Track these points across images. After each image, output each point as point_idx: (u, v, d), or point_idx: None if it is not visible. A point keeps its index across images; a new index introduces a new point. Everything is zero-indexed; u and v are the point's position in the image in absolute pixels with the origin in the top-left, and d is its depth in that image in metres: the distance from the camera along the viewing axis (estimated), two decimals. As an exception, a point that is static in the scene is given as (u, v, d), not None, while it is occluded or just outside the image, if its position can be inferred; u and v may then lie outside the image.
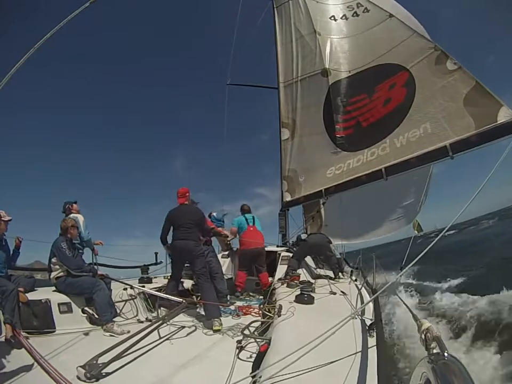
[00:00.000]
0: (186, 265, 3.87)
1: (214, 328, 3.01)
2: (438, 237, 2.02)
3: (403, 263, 3.70)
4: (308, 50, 6.03)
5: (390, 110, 4.76)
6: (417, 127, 4.31)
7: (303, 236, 4.99)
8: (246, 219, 4.95)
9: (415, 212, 6.56)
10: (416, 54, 4.59)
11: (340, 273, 4.70)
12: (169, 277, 3.90)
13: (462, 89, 3.94)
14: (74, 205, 4.14)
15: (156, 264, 4.73)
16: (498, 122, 3.52)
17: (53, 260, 3.20)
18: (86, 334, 2.81)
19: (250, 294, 4.76)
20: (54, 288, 3.20)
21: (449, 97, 4.08)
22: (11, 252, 3.28)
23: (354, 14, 5.67)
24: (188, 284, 4.27)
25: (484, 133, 3.62)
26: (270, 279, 4.71)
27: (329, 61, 5.69)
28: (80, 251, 3.74)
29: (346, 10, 5.82)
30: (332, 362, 1.72)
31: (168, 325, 3.02)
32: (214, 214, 5.46)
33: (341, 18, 5.84)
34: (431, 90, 4.31)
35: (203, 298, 3.39)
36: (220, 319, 3.14)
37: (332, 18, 5.94)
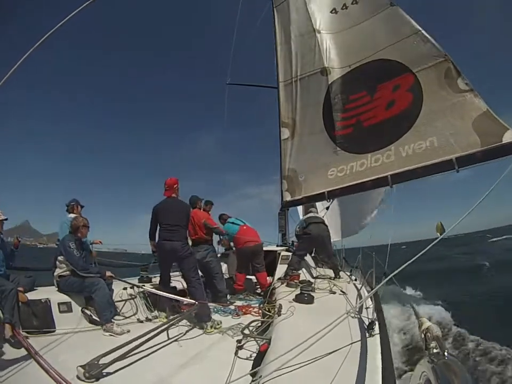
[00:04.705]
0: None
1: (205, 331, 3.01)
2: (436, 240, 2.04)
3: (385, 267, 3.80)
4: (307, 50, 5.99)
5: (394, 114, 4.70)
6: (423, 140, 4.32)
7: (300, 228, 4.88)
8: (233, 223, 4.82)
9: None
10: (423, 58, 4.50)
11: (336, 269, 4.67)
12: (159, 279, 3.79)
13: (472, 112, 3.99)
14: (80, 207, 4.12)
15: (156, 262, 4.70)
16: (504, 142, 3.67)
17: (60, 258, 3.17)
18: (86, 333, 2.81)
19: (251, 294, 4.75)
20: (54, 287, 3.19)
21: (458, 117, 4.10)
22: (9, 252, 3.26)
23: (354, 2, 5.47)
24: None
25: (489, 150, 3.75)
26: (270, 278, 4.69)
27: (329, 59, 5.63)
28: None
29: None
30: (332, 361, 1.72)
31: (168, 325, 3.02)
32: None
33: (342, 8, 5.67)
34: (439, 105, 4.30)
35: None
36: (212, 322, 3.09)
37: (333, 11, 5.81)
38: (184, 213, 3.59)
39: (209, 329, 3.01)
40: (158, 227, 3.54)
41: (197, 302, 3.23)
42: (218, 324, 3.10)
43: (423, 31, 4.56)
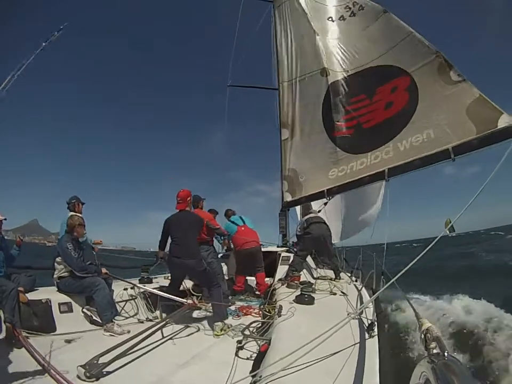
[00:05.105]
0: None
1: (214, 332, 3.00)
2: (439, 237, 2.03)
3: (383, 266, 3.77)
4: (307, 50, 6.00)
5: (393, 114, 4.76)
6: (420, 133, 4.37)
7: (301, 229, 4.85)
8: (233, 222, 4.80)
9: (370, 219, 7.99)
10: (417, 58, 4.57)
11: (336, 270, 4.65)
12: (168, 285, 3.78)
13: (466, 99, 4.02)
14: (81, 205, 4.07)
15: (157, 264, 4.70)
16: (499, 127, 3.65)
17: (58, 259, 3.17)
18: (86, 334, 2.81)
19: (251, 295, 4.73)
20: (54, 287, 3.19)
21: (453, 107, 4.14)
22: (10, 251, 3.24)
23: (352, 14, 5.60)
24: (188, 284, 4.27)
25: (484, 136, 3.75)
26: (270, 279, 4.67)
27: (328, 61, 5.66)
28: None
29: (343, 11, 5.75)
30: (332, 362, 1.72)
31: (169, 325, 3.02)
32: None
33: (339, 19, 5.78)
34: (434, 98, 4.35)
35: (212, 304, 3.33)
36: (223, 324, 3.07)
37: (330, 19, 5.91)
38: (196, 228, 3.59)
39: (219, 331, 2.97)
40: (170, 239, 3.52)
41: (186, 302, 3.26)
42: (228, 327, 3.09)
43: (414, 33, 4.66)
